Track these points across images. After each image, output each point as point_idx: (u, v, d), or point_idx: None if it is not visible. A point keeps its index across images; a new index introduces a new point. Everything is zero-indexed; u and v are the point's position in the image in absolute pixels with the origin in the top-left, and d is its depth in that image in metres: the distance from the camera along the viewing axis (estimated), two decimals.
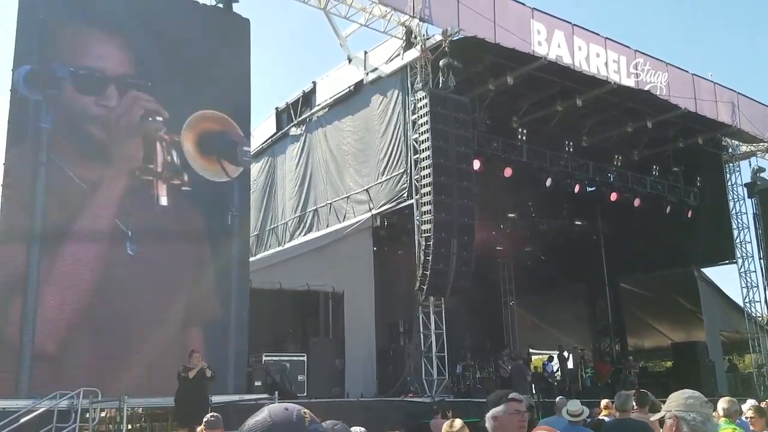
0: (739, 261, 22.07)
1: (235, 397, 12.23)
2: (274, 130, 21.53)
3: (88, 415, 10.66)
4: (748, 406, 6.54)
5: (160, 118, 13.11)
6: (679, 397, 2.78)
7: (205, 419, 6.52)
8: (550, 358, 22.53)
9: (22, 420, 10.25)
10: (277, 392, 12.36)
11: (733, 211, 22.28)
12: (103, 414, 11.59)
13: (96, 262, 12.17)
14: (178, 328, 12.70)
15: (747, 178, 22.69)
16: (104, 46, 12.99)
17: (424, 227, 14.89)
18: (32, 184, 11.96)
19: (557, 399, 8.39)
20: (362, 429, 4.70)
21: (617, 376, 21.81)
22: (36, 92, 12.19)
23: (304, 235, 19.24)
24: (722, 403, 6.12)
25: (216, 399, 11.25)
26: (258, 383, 13.45)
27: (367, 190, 17.27)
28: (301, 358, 14.62)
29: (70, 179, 12.13)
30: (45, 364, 11.36)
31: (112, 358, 11.79)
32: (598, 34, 17.80)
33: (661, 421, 2.81)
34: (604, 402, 8.95)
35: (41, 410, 10.47)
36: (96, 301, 11.97)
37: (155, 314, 12.43)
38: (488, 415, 3.46)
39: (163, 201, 12.94)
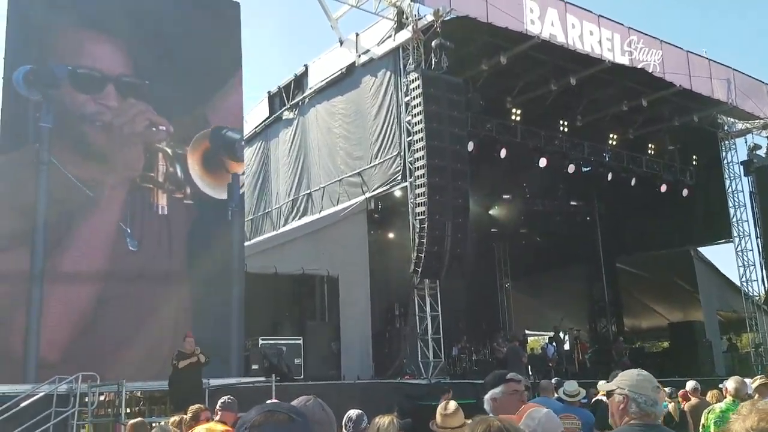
0: (736, 240, 21.95)
1: (233, 380, 12.24)
2: (267, 115, 21.43)
3: (86, 399, 10.68)
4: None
5: (163, 128, 13.11)
6: (631, 375, 2.86)
7: (221, 401, 6.33)
8: (550, 340, 22.55)
9: (22, 404, 10.32)
10: (274, 375, 12.37)
11: (730, 190, 22.12)
12: (102, 398, 11.61)
13: (99, 264, 12.14)
14: (176, 314, 12.71)
15: (743, 155, 22.47)
16: (100, 45, 12.90)
17: (418, 210, 14.83)
18: (34, 186, 11.87)
19: (541, 381, 8.24)
20: (360, 411, 4.66)
21: (609, 356, 21.76)
22: (35, 92, 12.15)
23: (298, 219, 19.20)
24: (732, 383, 6.07)
25: (213, 382, 11.28)
26: (255, 367, 13.48)
27: (360, 173, 17.20)
28: (298, 342, 14.65)
29: (71, 181, 12.07)
30: (48, 371, 11.24)
31: (113, 355, 11.80)
32: (591, 12, 17.63)
33: (609, 393, 2.87)
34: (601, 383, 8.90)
35: (40, 395, 10.55)
36: (99, 304, 11.97)
37: (155, 305, 12.48)
38: (487, 396, 3.44)
39: (162, 210, 12.98)
